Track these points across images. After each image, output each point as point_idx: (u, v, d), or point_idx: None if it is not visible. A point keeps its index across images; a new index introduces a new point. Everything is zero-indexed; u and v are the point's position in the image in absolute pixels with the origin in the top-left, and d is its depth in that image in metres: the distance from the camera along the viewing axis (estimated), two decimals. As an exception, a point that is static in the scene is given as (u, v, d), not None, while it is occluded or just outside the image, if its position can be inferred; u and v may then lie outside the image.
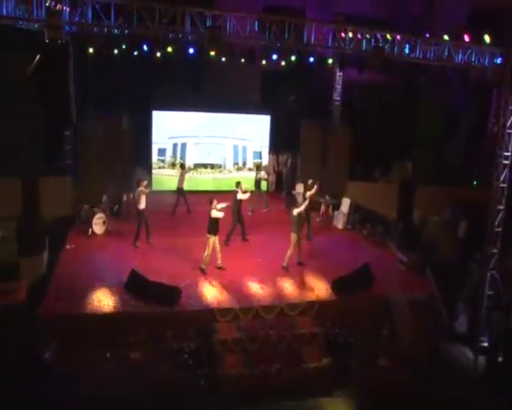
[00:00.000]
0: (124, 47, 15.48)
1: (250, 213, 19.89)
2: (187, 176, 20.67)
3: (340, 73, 22.00)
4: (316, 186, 17.67)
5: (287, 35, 14.35)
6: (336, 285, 14.63)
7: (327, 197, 21.25)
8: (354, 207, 20.00)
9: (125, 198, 19.78)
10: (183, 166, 20.56)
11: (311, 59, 17.50)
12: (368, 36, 15.00)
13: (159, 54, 16.03)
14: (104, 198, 18.40)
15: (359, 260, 15.86)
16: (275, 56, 16.93)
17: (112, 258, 16.07)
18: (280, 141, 23.77)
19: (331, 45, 15.03)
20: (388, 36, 15.07)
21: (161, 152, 22.78)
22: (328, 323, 14.03)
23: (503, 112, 14.11)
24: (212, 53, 14.94)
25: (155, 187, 21.64)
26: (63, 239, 16.85)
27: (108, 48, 15.75)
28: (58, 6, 12.99)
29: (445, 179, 20.49)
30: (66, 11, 13.00)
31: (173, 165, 22.52)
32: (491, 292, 14.50)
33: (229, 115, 23.29)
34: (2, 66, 16.82)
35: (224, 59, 16.82)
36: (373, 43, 14.92)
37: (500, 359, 13.84)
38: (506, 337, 14.16)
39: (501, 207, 14.29)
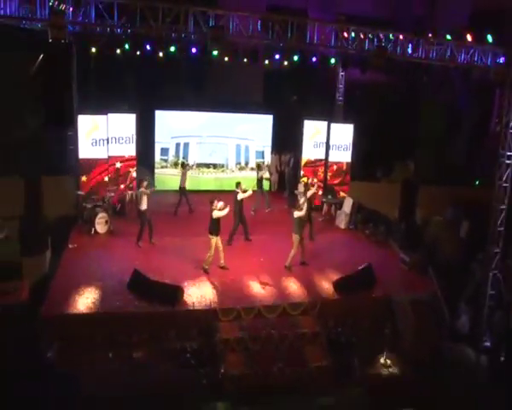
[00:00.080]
0: (126, 47, 15.49)
1: (252, 212, 19.92)
2: (189, 173, 20.70)
3: (343, 73, 22.00)
4: (315, 186, 17.65)
5: (289, 35, 14.37)
6: (338, 285, 14.64)
7: (329, 197, 21.25)
8: (356, 207, 19.98)
9: (127, 198, 19.86)
10: (184, 165, 20.57)
11: (314, 59, 17.47)
12: (370, 36, 15.01)
13: (161, 53, 16.04)
14: (107, 198, 18.41)
15: (361, 259, 15.86)
16: (277, 56, 16.91)
17: (114, 258, 16.07)
18: (282, 141, 23.78)
19: (334, 45, 15.04)
20: (391, 36, 15.07)
21: (164, 151, 22.80)
22: (331, 322, 14.04)
23: (505, 111, 14.11)
24: (215, 52, 14.96)
25: (158, 187, 21.63)
26: (66, 239, 16.87)
27: (111, 47, 15.77)
28: (61, 6, 13.02)
29: (447, 179, 20.53)
30: (70, 11, 13.03)
31: (176, 164, 22.52)
32: (493, 292, 14.51)
33: (231, 115, 23.29)
34: (6, 65, 16.86)
35: (226, 58, 16.81)
36: (375, 42, 14.93)
37: (502, 358, 13.85)
38: (507, 337, 14.17)
39: (503, 206, 14.29)
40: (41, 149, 18.21)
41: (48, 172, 17.33)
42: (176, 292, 13.58)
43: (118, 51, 16.17)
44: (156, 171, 22.57)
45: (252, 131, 23.49)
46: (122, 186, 20.16)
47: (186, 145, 22.95)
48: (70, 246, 16.56)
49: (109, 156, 19.72)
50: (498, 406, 12.39)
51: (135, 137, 20.38)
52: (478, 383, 13.22)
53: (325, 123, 21.60)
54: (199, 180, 22.95)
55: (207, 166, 23.22)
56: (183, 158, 22.52)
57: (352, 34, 14.90)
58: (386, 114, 23.31)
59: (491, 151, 16.51)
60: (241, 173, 23.22)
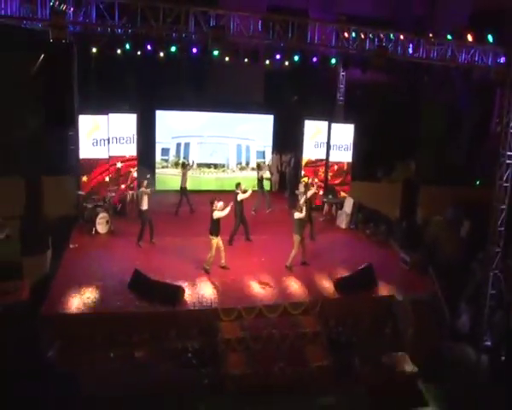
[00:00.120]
0: (127, 47, 15.51)
1: (253, 212, 19.92)
2: (190, 173, 20.71)
3: (344, 73, 22.00)
4: (315, 186, 17.67)
5: (290, 35, 14.36)
6: (339, 285, 14.64)
7: (330, 197, 21.26)
8: (357, 207, 20.00)
9: (128, 198, 19.88)
10: (184, 165, 20.57)
11: (315, 59, 17.49)
12: (371, 36, 15.01)
13: (162, 53, 16.06)
14: (108, 198, 18.42)
15: (362, 259, 15.86)
16: (278, 56, 16.92)
17: (115, 257, 16.07)
18: (283, 141, 23.78)
19: (334, 45, 15.03)
20: (391, 36, 15.07)
21: (165, 152, 22.81)
22: (331, 322, 14.05)
23: (506, 111, 14.12)
24: (216, 52, 14.97)
25: (159, 187, 21.70)
26: (66, 238, 16.87)
27: (112, 48, 15.78)
28: (62, 6, 13.03)
29: (447, 179, 20.53)
30: (71, 11, 13.04)
31: (176, 164, 22.50)
32: (493, 291, 14.52)
33: (232, 115, 23.29)
34: (6, 65, 16.87)
35: (227, 58, 16.83)
36: (376, 42, 14.93)
37: (502, 358, 13.85)
38: (508, 337, 14.17)
39: (504, 206, 14.29)
40: (41, 149, 18.21)
41: (48, 172, 17.34)
42: (176, 292, 13.58)
43: (118, 51, 16.20)
44: (157, 171, 22.56)
45: (252, 131, 23.49)
46: (123, 186, 20.18)
47: (187, 145, 22.96)
48: (71, 246, 16.57)
49: (110, 156, 19.75)
50: (498, 405, 12.40)
51: (135, 137, 20.41)
52: (478, 382, 13.22)
53: (326, 123, 21.62)
54: (200, 180, 22.96)
55: (208, 166, 23.22)
56: (184, 158, 22.52)
57: (353, 34, 14.90)
58: (387, 114, 23.31)
59: (491, 151, 16.50)
60: (241, 173, 23.23)
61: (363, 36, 14.99)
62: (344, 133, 21.62)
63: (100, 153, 19.33)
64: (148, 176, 18.14)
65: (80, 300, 13.36)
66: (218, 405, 11.79)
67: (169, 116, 22.72)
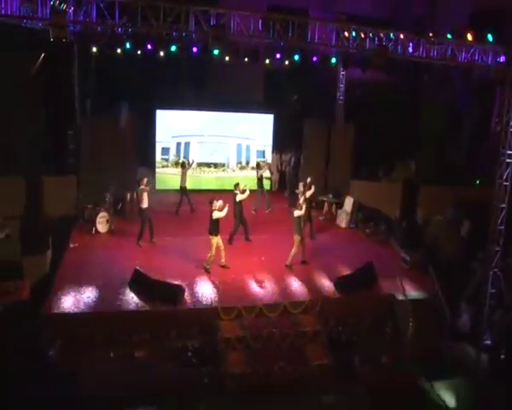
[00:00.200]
0: (128, 46, 15.49)
1: (253, 211, 19.93)
2: (190, 173, 20.72)
3: (344, 72, 21.99)
4: (313, 186, 17.66)
5: (290, 34, 14.33)
6: (339, 284, 14.66)
7: (330, 196, 21.27)
8: (357, 206, 20.03)
9: (128, 197, 19.88)
10: (183, 165, 20.57)
11: (315, 58, 17.46)
12: (371, 35, 14.98)
13: (162, 53, 16.04)
14: (107, 197, 18.42)
15: (362, 258, 15.89)
16: (278, 55, 16.90)
17: (115, 257, 16.09)
18: (283, 140, 23.80)
19: (334, 44, 14.99)
20: (391, 35, 15.05)
21: (165, 151, 22.85)
22: (332, 321, 14.05)
23: (506, 110, 14.11)
24: (216, 52, 14.95)
25: (159, 186, 21.74)
26: (67, 238, 16.91)
27: (112, 47, 15.76)
28: (62, 5, 13.01)
29: (447, 179, 20.50)
30: (71, 10, 13.03)
31: (177, 164, 22.52)
32: (493, 290, 14.52)
33: (232, 114, 23.35)
34: (6, 65, 16.84)
35: (227, 58, 16.80)
36: (376, 42, 14.91)
37: (502, 357, 13.85)
38: (508, 336, 14.17)
39: (504, 205, 14.29)
40: (41, 149, 18.19)
41: (48, 172, 17.33)
42: (177, 291, 13.59)
43: (119, 51, 16.17)
44: (157, 170, 22.59)
45: (252, 131, 23.52)
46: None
47: (187, 145, 22.99)
48: (71, 245, 16.60)
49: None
50: (498, 404, 12.39)
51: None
52: (478, 381, 13.22)
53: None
54: (200, 179, 22.98)
55: (208, 165, 23.25)
56: (184, 157, 22.52)
57: (353, 33, 14.86)
58: (387, 114, 23.27)
59: (491, 150, 16.49)
60: (241, 173, 23.26)
61: (363, 35, 14.96)
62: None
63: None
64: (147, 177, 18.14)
65: (80, 299, 13.38)
66: (219, 404, 11.79)
67: (169, 115, 22.75)
